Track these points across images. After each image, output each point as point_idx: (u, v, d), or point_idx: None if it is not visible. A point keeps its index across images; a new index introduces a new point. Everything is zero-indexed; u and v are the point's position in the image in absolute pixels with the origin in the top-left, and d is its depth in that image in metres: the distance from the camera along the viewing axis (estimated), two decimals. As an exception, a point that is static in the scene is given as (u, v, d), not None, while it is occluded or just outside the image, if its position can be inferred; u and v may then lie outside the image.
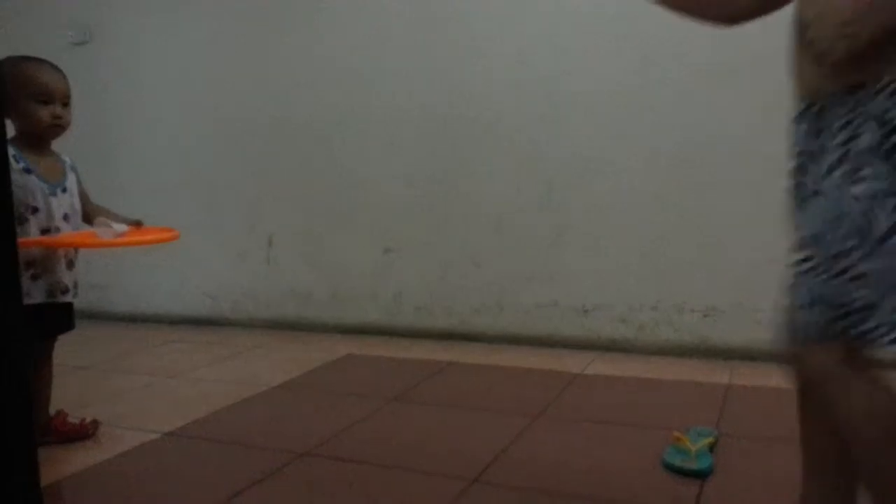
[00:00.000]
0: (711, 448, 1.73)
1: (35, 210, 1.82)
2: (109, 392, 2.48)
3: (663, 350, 2.76)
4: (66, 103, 1.88)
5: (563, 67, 2.83)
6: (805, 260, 0.98)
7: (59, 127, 1.87)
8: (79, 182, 1.99)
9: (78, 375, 2.64)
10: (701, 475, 1.61)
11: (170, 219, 3.66)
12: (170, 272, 3.74)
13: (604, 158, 2.79)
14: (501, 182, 2.97)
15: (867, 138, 0.91)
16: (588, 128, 2.81)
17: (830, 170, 0.94)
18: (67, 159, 1.98)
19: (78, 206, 1.96)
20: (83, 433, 2.00)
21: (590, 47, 2.78)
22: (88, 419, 2.04)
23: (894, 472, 0.96)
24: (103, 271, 3.89)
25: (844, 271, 0.92)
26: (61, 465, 1.79)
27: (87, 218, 1.98)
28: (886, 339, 0.91)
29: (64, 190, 1.91)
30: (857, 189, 0.91)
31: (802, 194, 1.02)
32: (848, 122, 0.92)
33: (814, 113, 1.00)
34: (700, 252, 2.69)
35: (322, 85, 3.29)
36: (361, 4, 3.17)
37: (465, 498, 1.56)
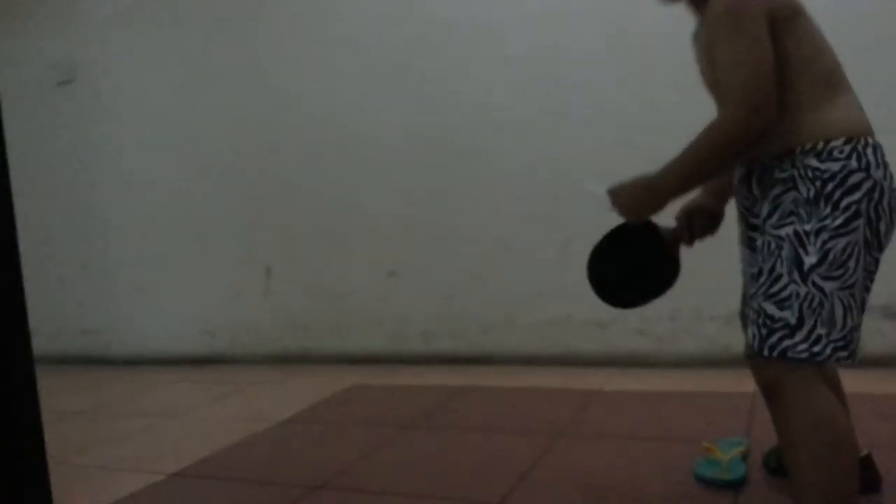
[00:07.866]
0: (744, 457, 1.66)
1: None
2: (110, 436, 2.38)
3: (685, 362, 2.67)
4: None
5: (561, 73, 2.77)
6: (758, 286, 1.17)
7: None
8: None
9: (76, 420, 2.53)
10: (734, 485, 1.56)
11: (161, 253, 3.61)
12: (164, 311, 3.65)
13: (609, 164, 2.71)
14: (504, 195, 2.91)
15: (794, 193, 1.14)
16: (591, 133, 2.74)
17: (769, 215, 1.18)
18: None
19: None
20: None
21: (587, 52, 2.73)
22: None
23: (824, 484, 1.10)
24: (95, 316, 3.79)
25: (775, 295, 1.12)
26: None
27: None
28: (805, 353, 1.09)
29: None
30: (786, 230, 1.13)
31: (751, 238, 1.25)
32: (778, 181, 1.16)
33: (752, 175, 1.24)
34: (715, 255, 2.61)
35: (310, 110, 3.24)
36: (345, 32, 3.13)
37: (494, 524, 1.46)
